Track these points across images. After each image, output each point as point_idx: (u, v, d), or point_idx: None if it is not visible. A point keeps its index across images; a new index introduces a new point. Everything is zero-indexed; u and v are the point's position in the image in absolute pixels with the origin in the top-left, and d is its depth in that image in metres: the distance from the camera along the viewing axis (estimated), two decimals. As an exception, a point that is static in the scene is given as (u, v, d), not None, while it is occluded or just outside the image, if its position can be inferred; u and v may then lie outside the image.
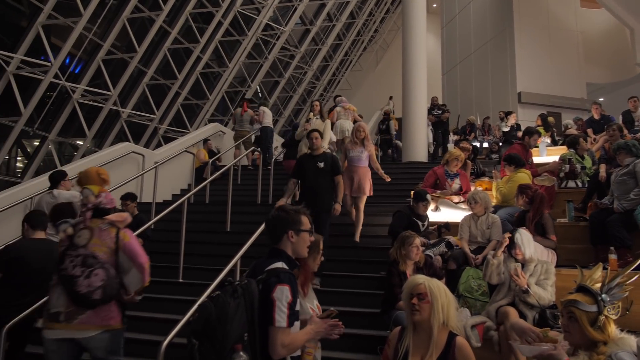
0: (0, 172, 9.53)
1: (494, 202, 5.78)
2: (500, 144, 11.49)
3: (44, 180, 6.57)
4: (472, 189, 6.41)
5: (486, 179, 7.23)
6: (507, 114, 12.01)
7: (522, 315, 3.81)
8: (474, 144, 11.49)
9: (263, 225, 4.07)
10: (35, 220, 4.06)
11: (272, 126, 10.68)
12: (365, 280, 5.24)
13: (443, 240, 5.09)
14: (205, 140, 10.73)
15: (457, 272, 4.63)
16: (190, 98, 13.74)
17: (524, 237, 4.04)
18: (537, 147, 8.72)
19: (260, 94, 17.63)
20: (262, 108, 10.38)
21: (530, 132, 6.82)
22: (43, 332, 3.02)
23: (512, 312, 3.78)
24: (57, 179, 5.40)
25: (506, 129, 11.49)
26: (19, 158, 10.78)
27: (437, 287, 2.52)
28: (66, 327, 2.97)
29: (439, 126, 12.52)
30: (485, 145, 13.84)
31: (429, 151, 12.36)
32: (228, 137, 11.51)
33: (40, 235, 4.02)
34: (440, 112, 12.65)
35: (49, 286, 3.24)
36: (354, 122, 8.40)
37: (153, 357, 3.13)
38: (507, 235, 4.09)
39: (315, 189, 5.46)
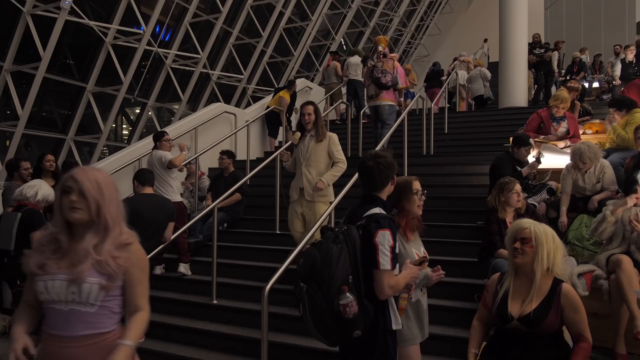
0: (110, 139, 10.35)
1: (607, 145, 5.28)
2: (614, 82, 10.34)
3: (147, 143, 7.07)
4: (581, 132, 5.88)
5: (597, 120, 6.58)
6: (624, 47, 10.74)
7: (637, 264, 3.52)
8: (583, 83, 10.45)
9: (355, 177, 4.06)
10: (143, 178, 4.40)
11: (361, 78, 10.07)
12: (462, 230, 5.12)
13: (545, 187, 4.79)
14: (291, 84, 9.57)
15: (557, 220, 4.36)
16: (275, 56, 13.82)
17: (649, 181, 3.65)
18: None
19: (345, 47, 17.27)
20: (348, 60, 10.12)
21: None
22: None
23: (626, 260, 3.48)
24: (157, 137, 5.85)
25: (618, 71, 10.30)
26: (124, 125, 11.65)
27: (544, 232, 2.39)
28: (374, 100, 7.08)
29: (541, 67, 11.47)
30: (596, 85, 12.57)
31: (529, 95, 11.52)
32: (315, 93, 11.48)
33: (148, 190, 4.33)
34: (542, 50, 11.59)
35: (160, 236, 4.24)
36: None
37: (257, 301, 3.34)
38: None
39: None
